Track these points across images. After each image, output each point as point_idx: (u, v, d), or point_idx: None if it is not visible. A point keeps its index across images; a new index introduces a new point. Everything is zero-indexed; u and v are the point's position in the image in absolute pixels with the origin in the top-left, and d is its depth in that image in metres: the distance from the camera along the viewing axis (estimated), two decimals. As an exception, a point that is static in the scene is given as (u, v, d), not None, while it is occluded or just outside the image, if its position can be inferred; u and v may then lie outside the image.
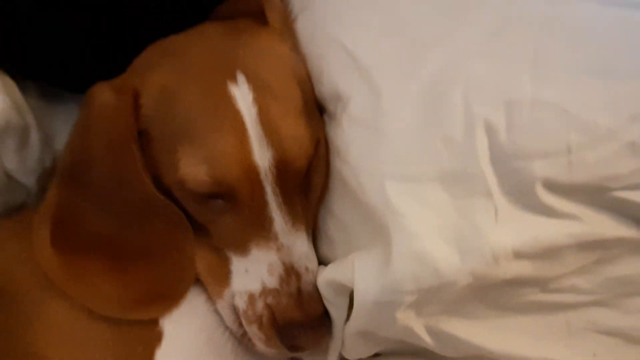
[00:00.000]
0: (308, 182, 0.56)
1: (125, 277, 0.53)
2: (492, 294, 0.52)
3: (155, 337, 0.52)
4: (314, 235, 0.59)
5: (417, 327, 0.51)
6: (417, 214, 0.48)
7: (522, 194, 0.50)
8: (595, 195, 0.51)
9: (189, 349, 0.53)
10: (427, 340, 0.53)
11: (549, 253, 0.50)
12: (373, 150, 0.52)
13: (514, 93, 0.50)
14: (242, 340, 0.55)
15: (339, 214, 0.56)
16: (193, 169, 0.51)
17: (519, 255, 0.49)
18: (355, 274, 0.49)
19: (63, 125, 0.68)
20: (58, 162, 0.60)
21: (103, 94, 0.54)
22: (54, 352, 0.50)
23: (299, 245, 0.54)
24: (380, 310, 0.49)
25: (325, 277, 0.52)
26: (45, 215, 0.55)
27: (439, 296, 0.49)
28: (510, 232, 0.49)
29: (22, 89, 0.66)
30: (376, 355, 0.60)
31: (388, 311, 0.49)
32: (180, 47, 0.57)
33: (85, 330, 0.51)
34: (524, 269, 0.50)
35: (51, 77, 0.68)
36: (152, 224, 0.54)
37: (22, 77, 0.66)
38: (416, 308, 0.50)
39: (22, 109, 0.65)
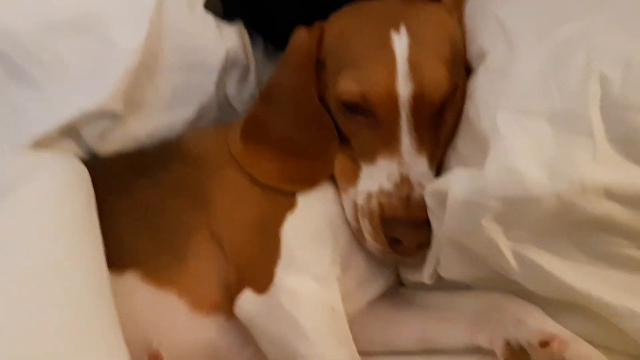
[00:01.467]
0: (441, 121, 0.67)
1: (284, 162, 0.70)
2: (584, 236, 0.56)
3: (290, 205, 0.66)
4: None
5: (503, 246, 0.57)
6: (517, 138, 0.55)
7: (626, 143, 0.54)
8: None
9: (312, 222, 0.66)
10: (513, 263, 0.58)
11: (642, 202, 0.53)
12: (495, 88, 0.60)
13: (634, 56, 0.55)
14: (356, 233, 0.67)
15: (460, 148, 0.65)
16: (348, 85, 0.66)
17: (610, 194, 0.52)
18: (451, 180, 0.58)
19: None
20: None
21: (300, 32, 0.73)
22: (220, 198, 0.68)
23: (419, 166, 0.64)
24: (468, 211, 0.56)
25: (430, 187, 0.61)
26: (243, 118, 0.75)
27: (525, 217, 0.55)
28: (605, 171, 0.53)
29: (253, 42, 0.89)
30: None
31: (475, 214, 0.55)
32: (363, 6, 0.73)
33: (245, 190, 0.68)
34: (616, 212, 0.53)
35: (273, 37, 0.89)
36: (312, 130, 0.70)
37: (255, 31, 0.89)
38: (503, 225, 0.56)
39: (249, 53, 0.87)
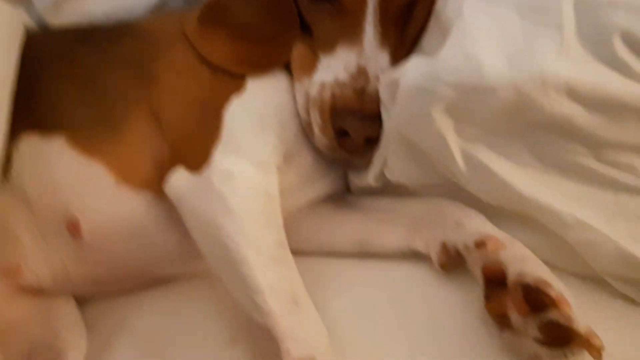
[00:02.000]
0: (409, 18, 0.62)
1: (238, 45, 0.65)
2: (539, 139, 0.52)
3: (238, 88, 0.62)
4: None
5: (452, 142, 0.53)
6: (481, 24, 0.51)
7: (596, 42, 0.50)
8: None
9: (258, 108, 0.61)
10: (460, 163, 0.54)
11: (607, 107, 0.49)
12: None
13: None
14: (305, 127, 0.63)
15: (424, 44, 0.61)
16: None
17: (572, 93, 0.49)
18: (406, 67, 0.54)
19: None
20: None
21: None
22: (165, 74, 0.64)
23: (379, 60, 0.60)
24: (418, 98, 0.52)
25: (385, 78, 0.57)
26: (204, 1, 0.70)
27: (479, 110, 0.51)
28: (569, 67, 0.49)
29: None
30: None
31: (425, 102, 0.51)
32: None
33: (193, 68, 0.64)
34: (577, 115, 0.49)
35: None
36: (273, 15, 0.66)
37: None
38: (454, 119, 0.52)
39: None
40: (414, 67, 0.53)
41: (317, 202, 0.68)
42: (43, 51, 0.65)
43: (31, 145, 0.60)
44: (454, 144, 0.53)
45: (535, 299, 0.45)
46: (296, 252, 0.56)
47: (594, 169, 0.52)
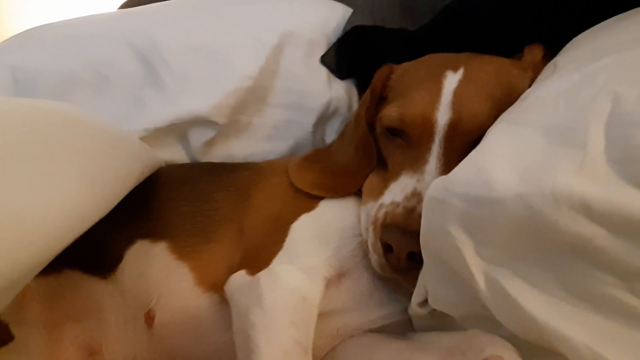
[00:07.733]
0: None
1: (324, 175, 0.74)
2: (564, 264, 0.47)
3: (309, 207, 0.70)
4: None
5: (472, 264, 0.51)
6: (502, 142, 0.52)
7: (625, 163, 0.46)
8: None
9: (321, 224, 0.68)
10: (481, 286, 0.51)
11: (632, 230, 0.44)
12: (512, 109, 0.59)
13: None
14: (364, 246, 0.66)
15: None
16: (389, 111, 0.69)
17: (591, 213, 0.45)
18: (433, 182, 0.55)
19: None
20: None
21: (380, 70, 0.79)
22: (258, 196, 0.75)
23: None
24: (436, 209, 0.52)
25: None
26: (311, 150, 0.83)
27: (492, 227, 0.49)
28: (587, 184, 0.46)
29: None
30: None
31: (442, 214, 0.52)
32: (439, 55, 0.76)
33: (280, 191, 0.74)
34: (600, 237, 0.45)
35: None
36: (357, 152, 0.74)
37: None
38: (473, 237, 0.51)
39: (353, 108, 0.95)
40: (437, 181, 0.55)
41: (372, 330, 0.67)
42: (174, 178, 0.81)
43: (141, 248, 0.72)
44: (475, 265, 0.51)
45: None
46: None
47: (629, 304, 0.44)
